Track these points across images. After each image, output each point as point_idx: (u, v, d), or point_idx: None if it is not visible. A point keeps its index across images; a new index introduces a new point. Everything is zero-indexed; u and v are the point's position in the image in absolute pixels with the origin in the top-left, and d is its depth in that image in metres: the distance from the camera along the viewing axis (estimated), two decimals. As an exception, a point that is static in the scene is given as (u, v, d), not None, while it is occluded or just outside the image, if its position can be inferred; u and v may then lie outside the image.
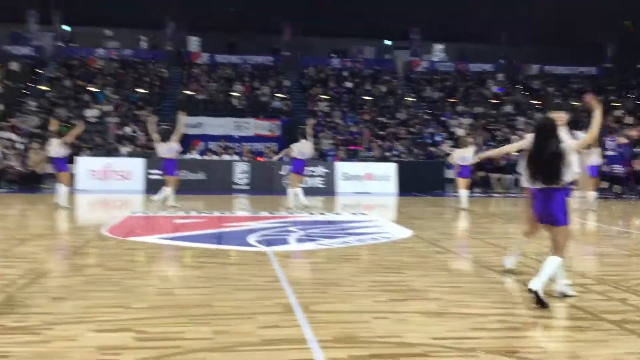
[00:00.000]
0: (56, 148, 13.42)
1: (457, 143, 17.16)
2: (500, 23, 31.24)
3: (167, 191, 13.30)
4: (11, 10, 29.33)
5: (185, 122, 13.66)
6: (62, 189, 13.31)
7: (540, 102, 29.50)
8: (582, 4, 28.74)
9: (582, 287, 5.94)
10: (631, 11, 28.77)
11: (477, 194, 19.28)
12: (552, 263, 5.19)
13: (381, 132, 25.67)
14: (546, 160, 5.21)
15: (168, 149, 13.15)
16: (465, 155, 14.12)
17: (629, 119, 27.46)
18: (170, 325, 4.46)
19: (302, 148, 13.74)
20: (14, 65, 28.38)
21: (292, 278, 6.17)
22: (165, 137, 13.22)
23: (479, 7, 30.38)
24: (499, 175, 21.72)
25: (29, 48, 30.63)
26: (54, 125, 14.65)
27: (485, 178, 21.38)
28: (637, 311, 5.10)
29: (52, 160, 13.77)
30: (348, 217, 12.63)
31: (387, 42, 35.97)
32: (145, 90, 27.99)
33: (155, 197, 13.47)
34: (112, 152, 22.20)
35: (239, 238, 9.03)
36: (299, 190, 13.86)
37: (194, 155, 22.00)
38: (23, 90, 27.19)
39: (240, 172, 20.24)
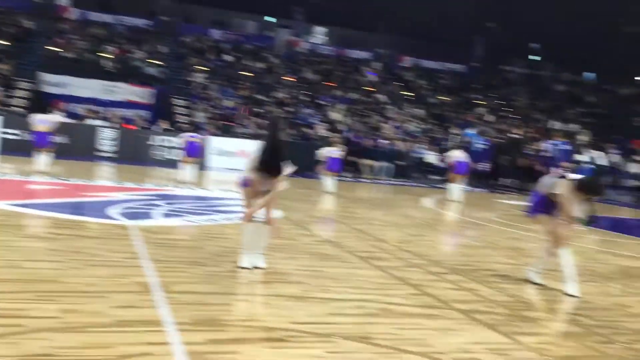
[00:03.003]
0: None
1: (327, 142, 18.18)
2: (381, 13, 31.95)
3: None
4: None
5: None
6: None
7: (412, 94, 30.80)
8: (453, 2, 30.09)
9: (437, 275, 6.25)
10: (498, 11, 30.52)
11: (347, 179, 19.70)
12: None
13: (258, 110, 25.48)
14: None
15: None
16: (332, 150, 15.51)
17: (490, 118, 29.37)
18: (13, 302, 4.11)
19: None
20: None
21: (154, 255, 5.94)
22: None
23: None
24: (369, 162, 22.45)
25: None
26: None
27: (355, 163, 21.92)
28: (485, 301, 5.42)
29: None
30: (218, 193, 12.41)
31: (270, 19, 35.66)
32: (5, 42, 25.72)
33: None
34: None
35: (98, 209, 8.55)
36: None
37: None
38: None
39: (107, 138, 19.25)
